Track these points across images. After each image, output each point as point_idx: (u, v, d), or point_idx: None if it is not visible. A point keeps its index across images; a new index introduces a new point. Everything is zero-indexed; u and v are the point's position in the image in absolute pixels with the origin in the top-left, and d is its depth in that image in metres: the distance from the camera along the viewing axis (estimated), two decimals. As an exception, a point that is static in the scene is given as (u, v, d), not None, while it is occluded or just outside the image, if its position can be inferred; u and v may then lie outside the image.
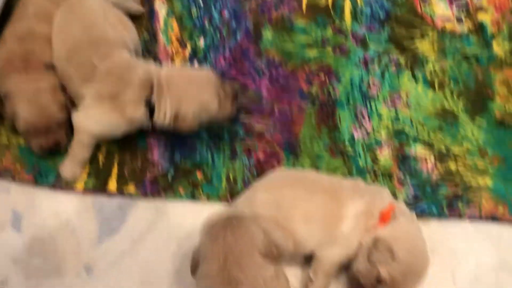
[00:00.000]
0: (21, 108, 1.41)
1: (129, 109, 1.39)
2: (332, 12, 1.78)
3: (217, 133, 1.56)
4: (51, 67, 1.47)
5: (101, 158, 1.51)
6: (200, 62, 1.68)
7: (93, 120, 1.42)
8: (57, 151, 1.48)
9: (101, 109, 1.40)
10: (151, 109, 1.40)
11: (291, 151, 1.55)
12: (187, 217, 1.46)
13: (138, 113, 1.40)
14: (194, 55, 1.69)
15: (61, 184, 1.47)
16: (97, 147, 1.51)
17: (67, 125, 1.46)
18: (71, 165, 1.46)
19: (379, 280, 1.22)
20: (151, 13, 1.75)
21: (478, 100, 1.63)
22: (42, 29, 1.49)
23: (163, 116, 1.40)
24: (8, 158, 1.50)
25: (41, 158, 1.49)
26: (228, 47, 1.71)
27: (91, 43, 1.43)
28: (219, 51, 1.70)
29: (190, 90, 1.41)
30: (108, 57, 1.41)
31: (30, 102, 1.41)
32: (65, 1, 1.51)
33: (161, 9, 1.76)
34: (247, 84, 1.65)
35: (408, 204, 1.43)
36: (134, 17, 1.69)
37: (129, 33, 1.54)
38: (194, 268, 1.20)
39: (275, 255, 1.20)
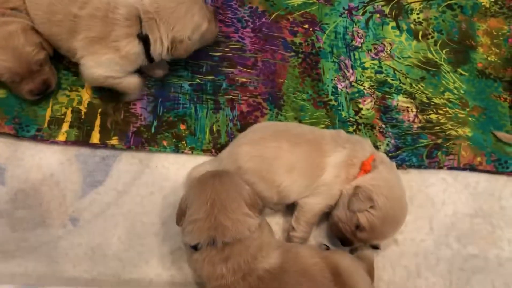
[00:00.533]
0: None
1: (122, 46, 1.37)
2: (317, -41, 1.74)
3: (200, 85, 1.55)
4: (19, 10, 1.43)
5: (83, 109, 1.50)
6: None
7: (95, 66, 1.40)
8: (49, 91, 1.47)
9: (96, 53, 1.38)
10: (145, 42, 1.38)
11: (275, 103, 1.55)
12: (171, 169, 1.47)
13: (133, 48, 1.38)
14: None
15: (42, 136, 1.46)
16: (79, 99, 1.50)
17: (50, 63, 1.44)
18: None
19: (358, 227, 1.26)
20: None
21: (461, 50, 1.63)
22: None
23: (160, 45, 1.39)
24: (-12, 111, 1.48)
25: (21, 110, 1.47)
26: (210, -3, 1.67)
27: None
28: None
29: (181, 13, 1.39)
30: (88, 4, 1.37)
31: (4, 48, 1.37)
32: None
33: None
34: (230, 35, 1.62)
35: (388, 153, 1.46)
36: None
37: None
38: (180, 217, 1.22)
39: (260, 207, 1.22)
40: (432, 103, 1.56)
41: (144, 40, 1.38)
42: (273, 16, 1.65)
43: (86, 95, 1.51)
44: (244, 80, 1.57)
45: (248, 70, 1.58)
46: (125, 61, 1.40)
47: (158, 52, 1.40)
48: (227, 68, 1.58)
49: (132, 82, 1.45)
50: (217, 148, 1.48)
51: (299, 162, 1.31)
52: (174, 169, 1.47)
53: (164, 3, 1.38)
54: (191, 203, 1.19)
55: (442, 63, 1.61)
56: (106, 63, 1.39)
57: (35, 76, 1.41)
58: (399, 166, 1.40)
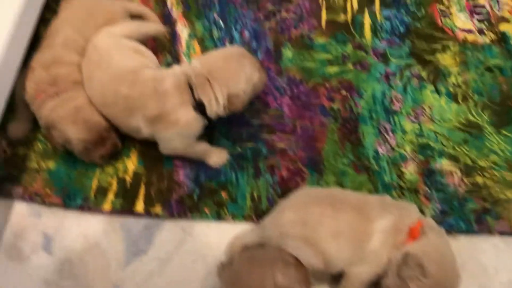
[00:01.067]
0: (71, 132, 1.45)
1: (180, 116, 1.42)
2: (351, 28, 1.80)
3: (240, 152, 1.58)
4: (78, 83, 1.52)
5: (128, 179, 1.54)
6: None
7: (165, 142, 1.47)
8: (117, 153, 1.55)
9: (160, 131, 1.44)
10: (200, 105, 1.42)
11: (315, 168, 1.55)
12: (213, 237, 1.47)
13: (190, 115, 1.42)
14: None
15: (89, 205, 1.50)
16: (124, 168, 1.54)
17: (112, 126, 1.52)
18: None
19: (409, 297, 1.21)
20: (174, 36, 1.78)
21: (504, 111, 1.61)
22: (68, 57, 1.53)
23: (215, 104, 1.42)
24: (39, 182, 1.53)
25: (69, 181, 1.53)
26: (250, 66, 1.73)
27: (114, 79, 1.45)
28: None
29: (233, 68, 1.42)
30: (135, 82, 1.44)
31: (76, 122, 1.45)
32: (85, 50, 1.55)
33: (182, 32, 1.80)
34: (269, 102, 1.66)
35: (435, 219, 1.41)
36: (157, 41, 1.73)
37: (147, 58, 1.57)
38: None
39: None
40: (477, 166, 1.53)
41: (199, 104, 1.42)
42: (310, 83, 1.69)
43: (131, 165, 1.56)
44: (283, 146, 1.59)
45: (287, 136, 1.60)
46: (189, 129, 1.44)
47: (215, 111, 1.43)
48: (267, 134, 1.61)
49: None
50: (258, 214, 1.47)
51: (344, 228, 1.28)
52: (215, 236, 1.47)
53: (215, 63, 1.43)
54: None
55: (485, 124, 1.59)
56: (173, 137, 1.45)
57: (105, 142, 1.49)
58: (447, 232, 1.35)
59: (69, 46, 1.54)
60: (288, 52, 1.75)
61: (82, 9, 1.62)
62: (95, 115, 1.48)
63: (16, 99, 1.55)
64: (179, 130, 1.43)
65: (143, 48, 1.58)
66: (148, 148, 1.55)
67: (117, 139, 1.53)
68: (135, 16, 1.73)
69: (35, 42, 1.59)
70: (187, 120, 1.42)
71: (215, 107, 1.42)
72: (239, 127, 1.62)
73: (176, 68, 1.48)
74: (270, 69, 1.72)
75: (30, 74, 1.51)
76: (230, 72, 1.42)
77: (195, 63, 1.45)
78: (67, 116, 1.45)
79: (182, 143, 1.47)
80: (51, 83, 1.49)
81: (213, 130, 1.59)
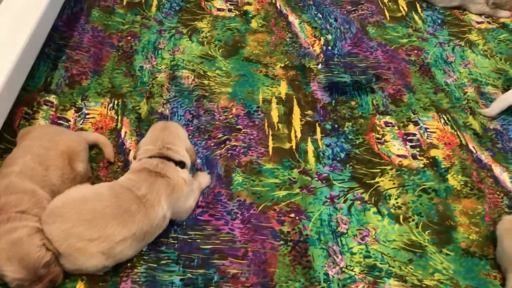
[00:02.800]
0: (5, 268, 1.37)
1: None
2: (296, 155, 1.92)
3: (191, 279, 1.55)
4: (26, 212, 1.47)
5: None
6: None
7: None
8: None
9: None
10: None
11: (267, 294, 1.54)
12: None
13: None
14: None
15: None
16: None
17: (56, 259, 1.44)
18: None
19: None
20: (125, 163, 1.83)
21: (443, 231, 1.70)
22: (22, 185, 1.52)
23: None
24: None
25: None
26: (202, 193, 1.78)
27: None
28: (192, 196, 1.77)
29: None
30: None
31: (11, 259, 1.37)
32: None
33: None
34: (220, 227, 1.68)
35: None
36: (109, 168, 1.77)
37: None
38: None
39: None
40: (424, 285, 1.57)
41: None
42: (261, 207, 1.75)
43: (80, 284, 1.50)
44: (235, 271, 1.58)
45: (239, 261, 1.60)
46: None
47: None
48: (218, 260, 1.60)
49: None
50: None
51: None
52: None
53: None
54: None
55: (427, 244, 1.66)
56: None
57: (42, 279, 1.41)
58: None
59: (25, 174, 1.55)
60: (238, 177, 1.83)
61: (43, 138, 1.66)
62: (34, 252, 1.39)
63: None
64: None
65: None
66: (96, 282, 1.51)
67: (57, 274, 1.44)
68: (93, 145, 1.83)
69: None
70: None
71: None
72: (190, 253, 1.61)
73: None
74: (222, 194, 1.77)
75: None
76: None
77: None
78: (2, 250, 1.38)
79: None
80: None
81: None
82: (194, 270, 1.57)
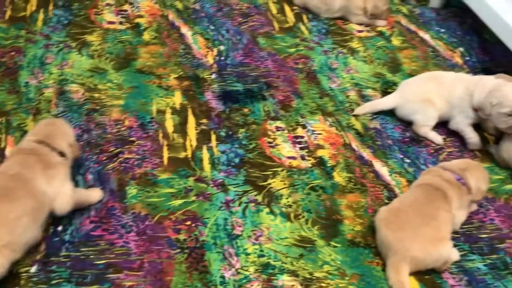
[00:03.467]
0: None
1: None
2: (192, 163, 1.95)
3: (84, 296, 1.52)
4: None
5: None
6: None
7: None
8: None
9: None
10: None
11: (164, 302, 1.54)
12: None
13: None
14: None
15: None
16: None
17: None
18: None
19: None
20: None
21: (330, 225, 1.82)
22: None
23: None
24: None
25: None
26: (94, 208, 1.75)
27: None
28: (84, 213, 1.73)
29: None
30: None
31: None
32: None
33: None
34: (114, 241, 1.66)
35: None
36: None
37: None
38: None
39: None
40: (314, 277, 1.66)
41: None
42: (156, 218, 1.75)
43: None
44: (131, 284, 1.57)
45: (135, 273, 1.59)
46: None
47: None
48: (113, 274, 1.58)
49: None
50: None
51: None
52: None
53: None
54: None
55: (316, 238, 1.77)
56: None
57: None
58: None
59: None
60: (132, 190, 1.82)
61: None
62: None
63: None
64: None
65: None
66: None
67: None
68: None
69: None
70: None
71: None
72: (83, 269, 1.57)
73: None
74: (115, 208, 1.75)
75: None
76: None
77: None
78: None
79: None
80: None
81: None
82: (87, 287, 1.54)
